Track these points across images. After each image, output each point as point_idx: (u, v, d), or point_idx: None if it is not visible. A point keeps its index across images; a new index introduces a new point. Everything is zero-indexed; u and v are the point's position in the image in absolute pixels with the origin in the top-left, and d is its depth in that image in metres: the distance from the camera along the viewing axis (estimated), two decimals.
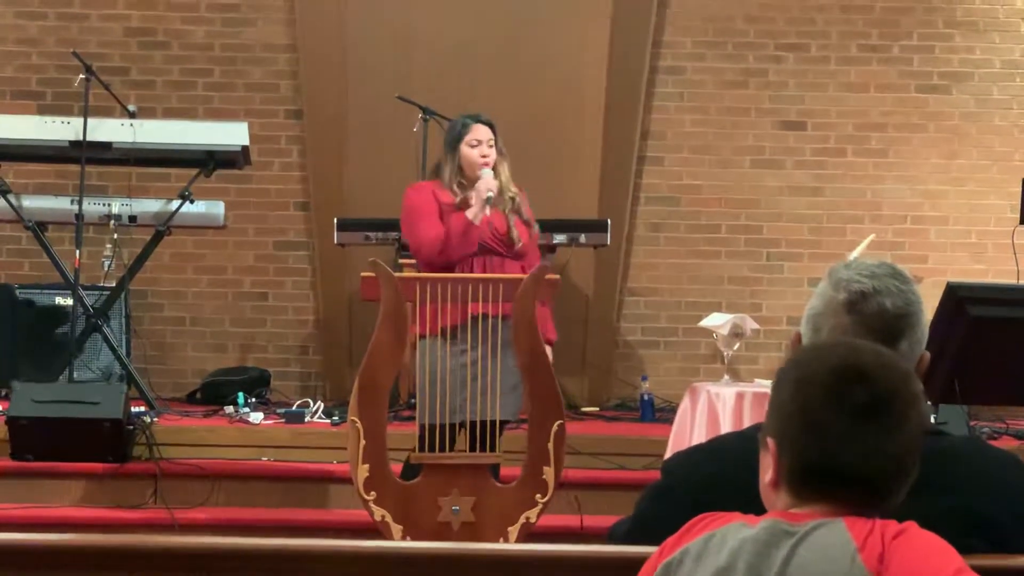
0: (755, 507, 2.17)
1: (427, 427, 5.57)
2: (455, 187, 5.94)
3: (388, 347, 5.46)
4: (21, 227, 8.17)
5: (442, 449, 5.56)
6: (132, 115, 8.03)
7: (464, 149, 5.96)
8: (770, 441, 2.13)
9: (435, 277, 5.60)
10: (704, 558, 2.08)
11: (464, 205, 5.89)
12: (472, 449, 5.61)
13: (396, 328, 5.46)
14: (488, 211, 5.89)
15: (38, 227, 7.99)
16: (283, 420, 7.65)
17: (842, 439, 2.05)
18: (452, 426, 5.60)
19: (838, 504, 2.07)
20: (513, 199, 6.04)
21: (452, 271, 5.79)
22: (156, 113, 9.04)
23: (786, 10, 9.46)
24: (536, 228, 6.17)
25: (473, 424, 5.60)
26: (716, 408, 6.38)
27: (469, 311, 5.59)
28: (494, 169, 5.96)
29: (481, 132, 5.99)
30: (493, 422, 5.57)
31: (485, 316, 5.60)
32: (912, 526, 2.03)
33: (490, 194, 5.85)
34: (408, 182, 6.32)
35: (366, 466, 5.46)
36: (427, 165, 7.83)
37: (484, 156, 5.95)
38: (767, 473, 2.14)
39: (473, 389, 5.58)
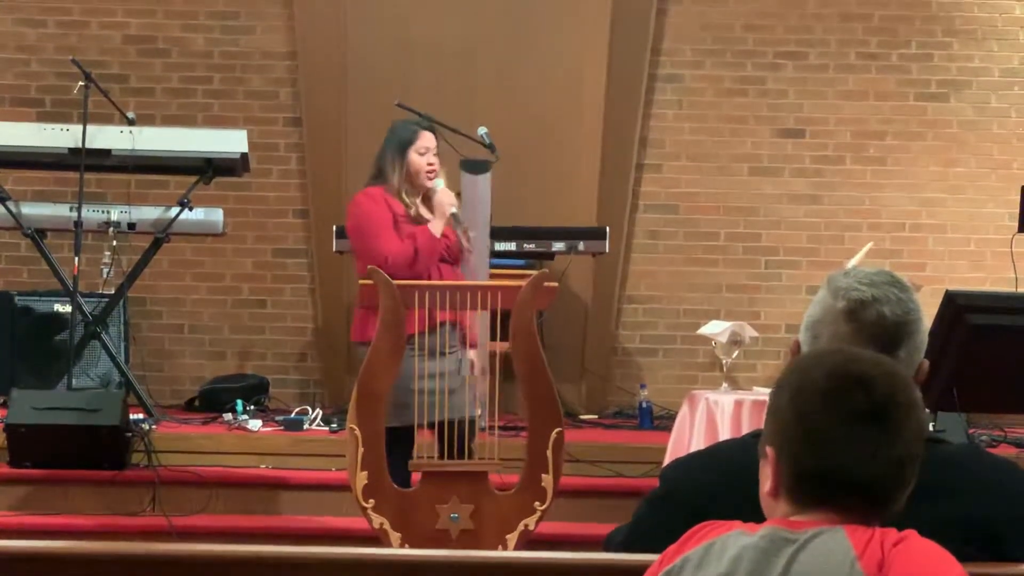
0: (754, 515, 2.17)
1: (396, 430, 5.59)
2: (403, 195, 5.94)
3: (386, 354, 5.47)
4: (20, 234, 8.15)
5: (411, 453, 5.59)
6: (131, 122, 8.02)
7: (413, 156, 5.95)
8: (769, 450, 2.13)
9: (435, 285, 5.60)
10: (704, 566, 2.08)
11: (419, 216, 5.89)
12: (450, 455, 5.60)
13: (394, 335, 5.46)
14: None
15: (37, 234, 7.98)
16: (281, 427, 7.65)
17: (840, 445, 2.05)
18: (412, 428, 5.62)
19: (838, 511, 2.07)
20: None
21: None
22: (155, 120, 9.04)
23: (785, 18, 9.47)
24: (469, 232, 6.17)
25: (440, 427, 5.61)
26: (715, 416, 6.38)
27: (437, 319, 5.58)
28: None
29: (429, 140, 6.00)
30: (460, 425, 5.60)
31: (444, 323, 5.62)
32: (912, 534, 2.03)
33: (454, 210, 5.90)
34: None
35: (364, 473, 5.46)
36: None
37: (431, 165, 5.96)
38: (766, 482, 2.14)
39: (431, 392, 5.58)
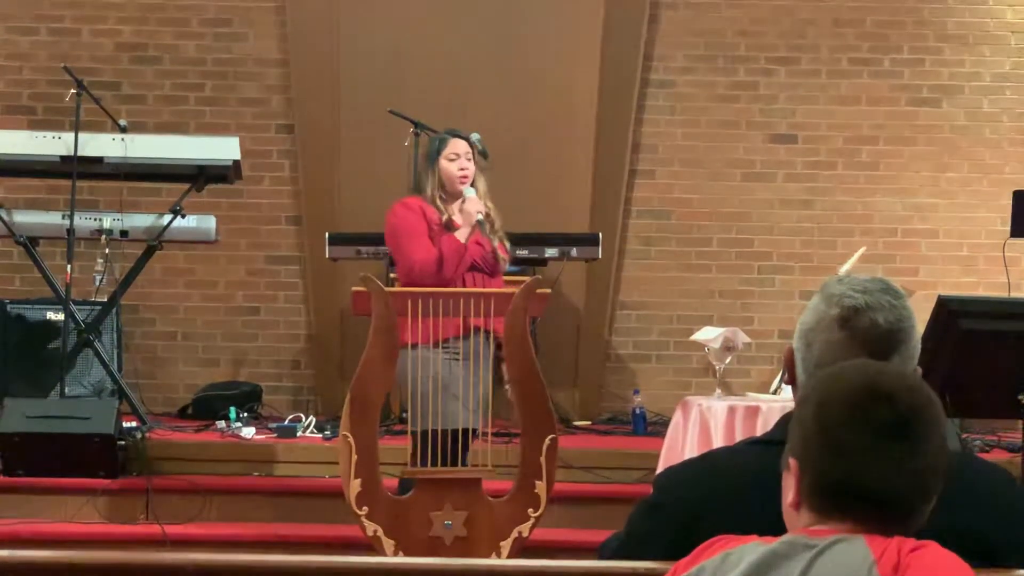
0: (747, 522, 2.17)
1: (423, 435, 5.57)
2: (438, 202, 5.97)
3: (379, 362, 5.47)
4: (12, 242, 8.14)
5: (438, 460, 5.57)
6: (123, 130, 8.02)
7: (443, 163, 6.01)
8: (792, 461, 2.14)
9: (427, 292, 5.60)
10: (721, 574, 2.08)
11: (451, 224, 5.93)
12: (446, 461, 5.61)
13: (387, 343, 5.46)
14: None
15: (29, 242, 7.97)
16: (275, 435, 7.64)
17: (863, 458, 2.06)
18: (445, 433, 5.62)
19: (859, 523, 2.07)
20: (489, 215, 6.07)
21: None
22: (147, 128, 9.03)
23: (777, 24, 9.48)
24: (508, 243, 6.21)
25: (447, 433, 5.62)
26: (708, 422, 6.38)
27: (471, 324, 5.64)
28: (473, 185, 6.02)
29: (459, 146, 6.06)
30: (466, 432, 5.62)
31: (478, 329, 5.67)
32: (932, 543, 2.04)
33: (479, 217, 5.92)
34: (400, 196, 6.32)
35: (358, 481, 5.46)
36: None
37: (463, 170, 6.01)
38: (789, 493, 2.15)
39: (465, 399, 5.61)
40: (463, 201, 6.00)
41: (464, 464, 5.65)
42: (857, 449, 2.06)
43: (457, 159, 6.02)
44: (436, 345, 5.62)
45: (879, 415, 2.06)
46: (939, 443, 2.09)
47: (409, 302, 5.50)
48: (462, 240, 5.90)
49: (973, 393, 5.25)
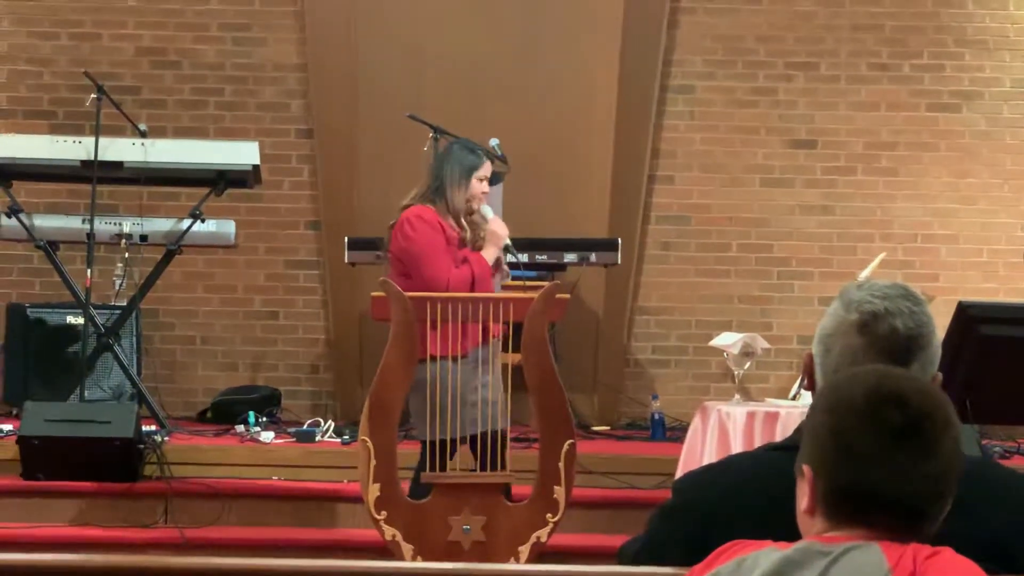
0: (766, 527, 2.17)
1: (436, 443, 5.57)
2: (462, 218, 5.95)
3: (398, 367, 5.47)
4: (32, 246, 8.17)
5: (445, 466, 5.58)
6: (143, 134, 8.04)
7: (475, 183, 5.98)
8: (805, 468, 2.14)
9: (446, 297, 5.60)
10: None
11: (474, 243, 5.93)
12: (483, 467, 5.62)
13: (406, 348, 5.47)
14: None
15: (49, 246, 8.00)
16: (294, 439, 7.65)
17: (876, 462, 2.05)
18: (454, 441, 5.63)
19: (873, 528, 2.07)
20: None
21: None
22: (167, 132, 9.06)
23: (796, 29, 9.46)
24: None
25: (475, 439, 5.63)
26: (727, 427, 6.37)
27: (490, 332, 5.66)
28: None
29: (489, 169, 6.05)
30: (502, 438, 5.62)
31: (496, 337, 5.70)
32: (947, 550, 2.04)
33: (508, 242, 5.96)
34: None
35: (377, 485, 5.47)
36: None
37: (484, 193, 6.01)
38: (803, 500, 2.15)
39: (486, 404, 5.63)
40: (483, 219, 6.00)
41: (504, 468, 5.64)
42: (869, 454, 2.06)
43: (484, 181, 6.02)
44: (457, 360, 5.61)
45: (890, 419, 2.06)
46: (952, 446, 2.09)
47: (428, 307, 5.50)
48: (490, 260, 5.93)
49: (993, 399, 5.25)
